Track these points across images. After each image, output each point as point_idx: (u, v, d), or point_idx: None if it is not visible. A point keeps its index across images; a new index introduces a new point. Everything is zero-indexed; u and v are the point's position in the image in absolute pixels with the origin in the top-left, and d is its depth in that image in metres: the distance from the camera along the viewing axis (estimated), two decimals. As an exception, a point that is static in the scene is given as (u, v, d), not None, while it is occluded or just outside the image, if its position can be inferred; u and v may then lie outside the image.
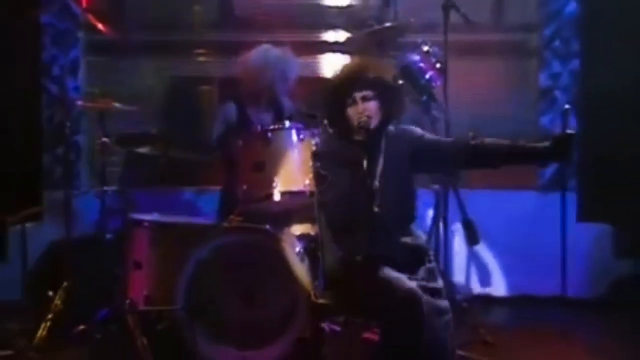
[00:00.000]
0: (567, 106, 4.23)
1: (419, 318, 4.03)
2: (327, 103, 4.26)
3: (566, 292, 6.22)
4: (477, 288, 6.26)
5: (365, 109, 4.17)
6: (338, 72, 4.32)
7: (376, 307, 4.20)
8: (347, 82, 4.21)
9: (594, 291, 6.29)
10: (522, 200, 6.34)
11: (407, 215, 4.33)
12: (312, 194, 4.73)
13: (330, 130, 4.40)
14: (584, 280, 6.32)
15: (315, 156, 4.38)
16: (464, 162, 4.27)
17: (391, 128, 4.34)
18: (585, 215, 6.40)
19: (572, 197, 6.44)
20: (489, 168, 4.23)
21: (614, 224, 6.36)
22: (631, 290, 6.17)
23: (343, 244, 4.37)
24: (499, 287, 6.35)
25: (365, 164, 4.11)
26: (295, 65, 5.62)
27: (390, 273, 4.20)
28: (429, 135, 4.36)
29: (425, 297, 4.14)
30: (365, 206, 4.14)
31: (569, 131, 3.96)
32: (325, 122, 4.49)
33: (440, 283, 4.28)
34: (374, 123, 4.18)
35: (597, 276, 6.32)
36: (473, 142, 4.18)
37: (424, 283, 4.18)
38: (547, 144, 4.01)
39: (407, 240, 4.31)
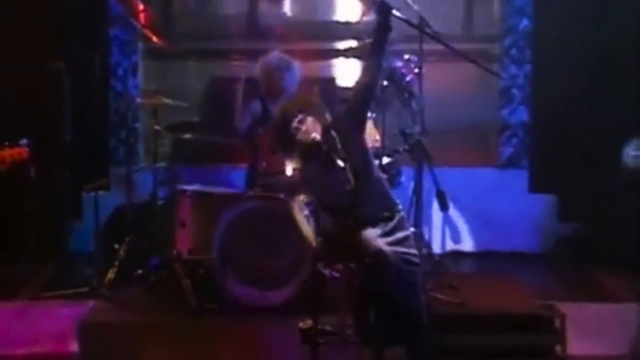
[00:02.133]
0: None
1: (384, 269, 4.08)
2: (282, 146, 4.26)
3: (519, 248, 6.28)
4: (449, 245, 6.24)
5: (307, 128, 4.16)
6: (272, 125, 4.34)
7: (353, 257, 4.27)
8: (283, 122, 4.21)
9: (541, 247, 6.35)
10: (485, 175, 6.40)
11: (372, 181, 4.27)
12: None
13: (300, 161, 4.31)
14: (534, 238, 6.35)
15: (299, 170, 4.39)
16: (371, 82, 4.30)
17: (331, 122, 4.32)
18: (535, 187, 6.41)
19: (524, 173, 6.42)
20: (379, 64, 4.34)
21: (558, 195, 6.38)
22: (570, 247, 6.25)
23: (334, 216, 4.35)
24: (466, 244, 6.38)
25: (339, 162, 4.08)
26: (296, 67, 5.56)
27: (366, 234, 4.18)
28: (339, 112, 4.35)
29: (393, 249, 4.12)
30: (342, 190, 4.14)
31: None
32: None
33: (406, 232, 4.27)
34: (318, 132, 4.18)
35: (544, 236, 6.36)
36: (363, 77, 4.28)
37: (392, 237, 4.18)
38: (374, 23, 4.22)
39: (378, 199, 4.27)
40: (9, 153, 4.57)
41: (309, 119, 4.19)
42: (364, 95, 4.31)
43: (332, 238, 4.41)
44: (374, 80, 4.35)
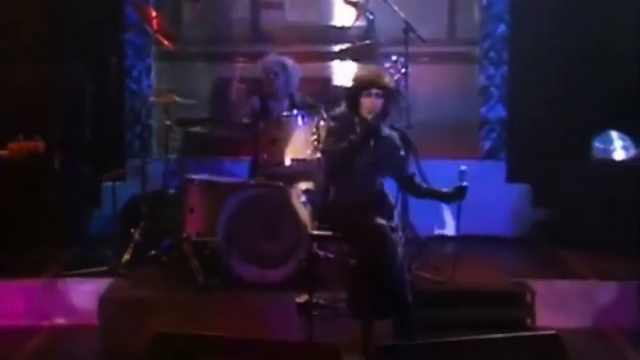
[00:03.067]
0: (462, 168, 4.48)
1: (388, 245, 4.21)
2: (352, 87, 4.44)
3: (497, 233, 6.23)
4: (434, 229, 6.16)
5: (375, 102, 4.38)
6: (365, 71, 4.53)
7: (355, 235, 4.36)
8: (372, 79, 4.41)
9: (517, 232, 6.34)
10: (467, 166, 5.98)
11: (377, 177, 4.53)
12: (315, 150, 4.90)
13: (343, 107, 4.58)
14: (510, 224, 6.35)
15: (333, 118, 4.58)
16: (404, 188, 4.70)
17: (386, 125, 4.50)
18: (512, 177, 6.41)
19: (502, 164, 6.43)
20: (414, 197, 4.74)
21: (532, 184, 6.36)
22: (543, 231, 6.21)
23: (338, 186, 4.47)
24: (449, 229, 6.18)
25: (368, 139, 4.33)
26: (294, 68, 5.59)
27: (369, 215, 4.32)
28: (401, 155, 4.53)
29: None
30: (354, 164, 4.39)
31: (463, 184, 4.42)
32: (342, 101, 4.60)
33: (395, 222, 4.45)
34: (374, 114, 4.38)
35: (519, 221, 6.35)
36: (415, 182, 4.57)
37: (386, 218, 4.35)
38: (449, 191, 4.46)
39: (375, 191, 4.51)
40: (25, 145, 4.62)
41: (380, 101, 4.37)
42: (394, 179, 4.65)
43: (339, 215, 4.45)
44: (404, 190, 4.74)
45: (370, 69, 4.60)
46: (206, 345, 3.40)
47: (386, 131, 4.51)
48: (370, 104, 4.41)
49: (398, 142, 4.56)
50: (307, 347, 3.65)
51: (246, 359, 3.33)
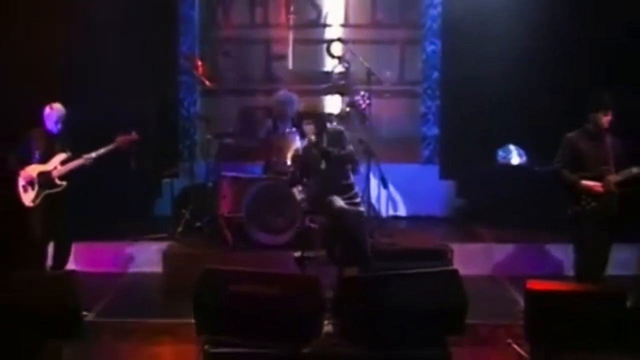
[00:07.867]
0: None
1: (345, 218, 4.55)
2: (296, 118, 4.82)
3: (435, 214, 6.56)
4: (389, 211, 6.27)
5: (309, 131, 4.77)
6: (303, 106, 4.82)
7: (326, 212, 4.71)
8: (306, 112, 4.79)
9: (447, 213, 6.62)
10: (412, 168, 6.68)
11: (344, 171, 4.80)
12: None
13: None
14: (441, 208, 6.62)
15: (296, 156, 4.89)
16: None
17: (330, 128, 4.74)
18: (442, 176, 6.71)
19: (436, 167, 6.73)
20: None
21: (456, 180, 6.65)
22: (462, 212, 6.51)
23: (315, 182, 4.83)
24: (400, 211, 6.56)
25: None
26: (296, 100, 5.72)
27: (334, 197, 4.66)
28: (347, 144, 4.72)
29: (351, 207, 4.66)
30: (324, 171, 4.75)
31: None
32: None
33: (359, 199, 4.78)
34: (314, 133, 4.69)
35: (447, 206, 6.63)
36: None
37: (351, 200, 4.73)
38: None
39: (342, 183, 4.78)
40: (126, 137, 4.90)
41: (310, 127, 4.75)
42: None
43: (315, 201, 4.79)
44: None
45: (306, 105, 4.87)
46: (236, 276, 3.84)
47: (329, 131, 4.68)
48: (308, 133, 4.77)
49: (344, 133, 4.72)
50: (298, 276, 4.21)
51: (260, 284, 3.77)
